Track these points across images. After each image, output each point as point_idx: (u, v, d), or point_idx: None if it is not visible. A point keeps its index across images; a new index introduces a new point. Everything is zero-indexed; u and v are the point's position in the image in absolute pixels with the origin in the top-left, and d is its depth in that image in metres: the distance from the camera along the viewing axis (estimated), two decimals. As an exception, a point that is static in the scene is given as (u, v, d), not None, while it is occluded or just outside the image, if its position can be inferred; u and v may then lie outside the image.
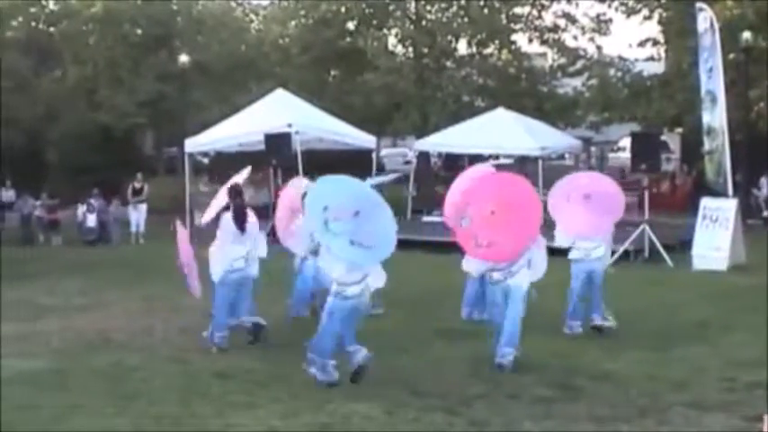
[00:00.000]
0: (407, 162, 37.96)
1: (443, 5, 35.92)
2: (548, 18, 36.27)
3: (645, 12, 33.12)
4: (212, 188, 23.05)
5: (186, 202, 26.11)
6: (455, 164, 30.67)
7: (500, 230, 11.10)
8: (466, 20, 35.40)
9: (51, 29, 40.91)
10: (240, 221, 12.28)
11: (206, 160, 27.15)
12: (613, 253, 20.24)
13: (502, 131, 26.93)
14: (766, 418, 7.29)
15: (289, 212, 13.85)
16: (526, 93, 34.86)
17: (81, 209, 29.17)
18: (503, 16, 35.89)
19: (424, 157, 31.46)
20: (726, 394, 9.93)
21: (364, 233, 10.10)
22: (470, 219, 11.39)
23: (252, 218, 12.56)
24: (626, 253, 20.70)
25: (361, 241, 10.09)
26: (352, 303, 10.42)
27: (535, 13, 36.15)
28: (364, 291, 10.44)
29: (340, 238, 10.10)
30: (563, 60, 36.51)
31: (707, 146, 22.05)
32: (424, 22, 35.95)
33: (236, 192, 12.50)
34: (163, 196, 30.72)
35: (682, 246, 21.15)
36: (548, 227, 12.45)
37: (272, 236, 14.22)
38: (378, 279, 10.65)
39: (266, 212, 20.35)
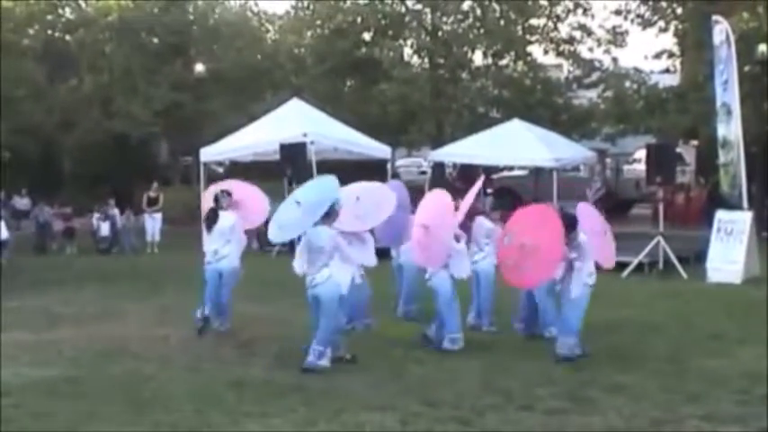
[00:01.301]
0: (422, 172, 37.91)
1: (459, 17, 35.87)
2: (563, 30, 36.27)
3: (661, 24, 33.06)
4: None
5: (201, 211, 26.04)
6: (470, 175, 30.57)
7: (527, 259, 12.03)
8: (482, 31, 35.34)
9: (67, 37, 41.05)
10: (207, 223, 14.28)
11: (221, 170, 27.15)
12: (628, 265, 20.37)
13: (517, 142, 26.85)
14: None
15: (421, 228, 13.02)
16: (541, 104, 34.71)
17: (95, 217, 29.22)
18: (519, 28, 35.86)
19: (439, 167, 31.41)
20: (741, 407, 9.91)
21: (282, 218, 12.09)
22: (511, 239, 12.42)
23: (227, 221, 14.15)
24: (640, 265, 20.71)
25: (275, 219, 12.27)
26: (309, 293, 11.83)
27: (551, 24, 36.10)
28: (312, 282, 11.71)
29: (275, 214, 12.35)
30: (578, 72, 36.46)
31: (722, 158, 21.96)
32: (439, 33, 35.89)
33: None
34: (178, 206, 30.78)
35: (696, 258, 21.13)
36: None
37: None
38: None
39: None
